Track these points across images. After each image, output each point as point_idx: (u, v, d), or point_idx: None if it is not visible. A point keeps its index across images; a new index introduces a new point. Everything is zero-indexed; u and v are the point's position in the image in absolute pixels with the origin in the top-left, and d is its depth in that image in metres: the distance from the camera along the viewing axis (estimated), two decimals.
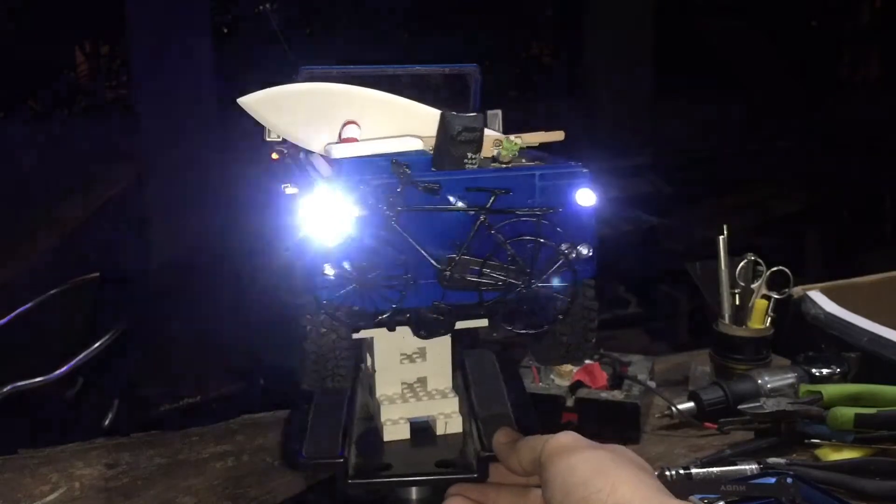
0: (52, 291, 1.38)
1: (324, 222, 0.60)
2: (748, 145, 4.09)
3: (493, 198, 0.62)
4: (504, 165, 0.66)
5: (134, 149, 3.25)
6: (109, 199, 3.12)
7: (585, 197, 0.63)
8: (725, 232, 1.11)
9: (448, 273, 0.62)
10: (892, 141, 3.73)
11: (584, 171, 0.64)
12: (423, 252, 0.61)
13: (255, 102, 0.69)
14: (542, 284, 0.63)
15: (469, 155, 0.64)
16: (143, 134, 3.30)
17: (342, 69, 0.77)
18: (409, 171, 0.61)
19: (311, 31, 3.82)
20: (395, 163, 0.61)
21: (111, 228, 3.15)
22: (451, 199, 0.62)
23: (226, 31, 3.67)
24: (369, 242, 0.61)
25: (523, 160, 0.71)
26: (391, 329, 0.68)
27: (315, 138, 0.70)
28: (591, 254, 0.64)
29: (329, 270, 0.61)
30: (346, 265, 0.61)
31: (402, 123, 0.69)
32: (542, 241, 0.63)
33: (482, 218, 0.62)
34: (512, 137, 0.67)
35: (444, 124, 0.65)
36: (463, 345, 0.82)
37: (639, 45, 4.28)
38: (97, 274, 1.43)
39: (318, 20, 3.81)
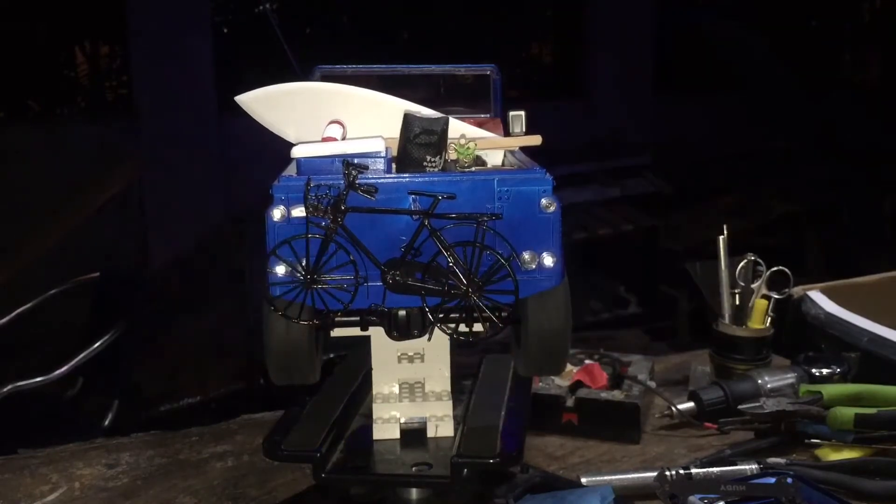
0: (52, 291, 1.38)
1: (273, 221, 0.60)
2: (748, 145, 4.09)
3: (435, 202, 0.60)
4: (466, 169, 0.65)
5: (134, 149, 3.26)
6: (109, 199, 3.12)
7: (548, 204, 0.61)
8: (725, 232, 1.11)
9: (391, 276, 0.61)
10: (891, 141, 3.73)
11: (547, 177, 0.62)
12: (367, 253, 0.61)
13: (253, 100, 0.69)
14: (485, 293, 0.61)
15: (429, 158, 0.63)
16: (143, 134, 3.30)
17: (357, 69, 0.76)
18: (355, 173, 0.60)
19: (311, 31, 3.82)
20: (347, 163, 0.60)
21: (111, 228, 3.15)
22: (411, 201, 0.61)
23: (226, 31, 3.67)
24: (318, 242, 0.60)
25: (504, 165, 0.70)
26: (363, 329, 0.68)
27: (310, 137, 0.69)
28: (555, 263, 0.62)
29: (280, 268, 0.61)
30: (298, 264, 0.61)
31: (398, 124, 0.69)
32: (478, 246, 0.60)
33: (425, 222, 0.60)
34: (464, 141, 0.66)
35: (404, 125, 0.63)
36: (483, 350, 0.81)
37: (639, 46, 4.28)
38: (97, 274, 1.43)
39: (318, 20, 3.81)
